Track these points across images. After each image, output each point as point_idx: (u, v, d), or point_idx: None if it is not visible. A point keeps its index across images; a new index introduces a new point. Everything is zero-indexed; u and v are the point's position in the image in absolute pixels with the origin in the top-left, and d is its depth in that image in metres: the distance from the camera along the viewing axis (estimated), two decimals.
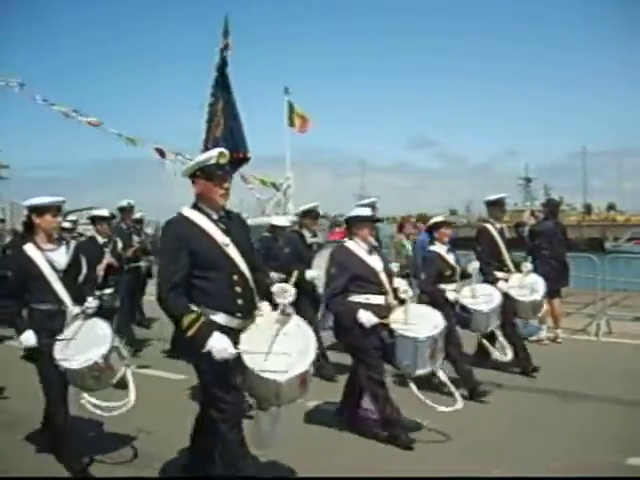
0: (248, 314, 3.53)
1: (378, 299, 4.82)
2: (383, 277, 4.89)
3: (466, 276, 6.25)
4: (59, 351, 4.18)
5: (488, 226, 6.92)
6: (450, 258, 6.15)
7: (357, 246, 4.94)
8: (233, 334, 3.37)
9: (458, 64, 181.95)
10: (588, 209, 72.66)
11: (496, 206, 7.02)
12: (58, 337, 4.24)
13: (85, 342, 4.18)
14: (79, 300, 4.41)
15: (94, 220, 7.35)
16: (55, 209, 4.43)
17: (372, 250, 4.97)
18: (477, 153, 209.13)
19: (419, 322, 4.76)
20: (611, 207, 74.74)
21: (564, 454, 4.45)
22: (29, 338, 4.29)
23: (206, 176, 3.51)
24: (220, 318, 3.43)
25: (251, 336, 3.44)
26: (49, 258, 4.39)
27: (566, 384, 6.16)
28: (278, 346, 3.38)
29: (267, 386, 3.32)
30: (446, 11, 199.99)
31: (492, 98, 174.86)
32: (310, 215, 6.97)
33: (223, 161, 3.55)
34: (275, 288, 3.52)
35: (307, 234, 6.88)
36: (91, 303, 4.41)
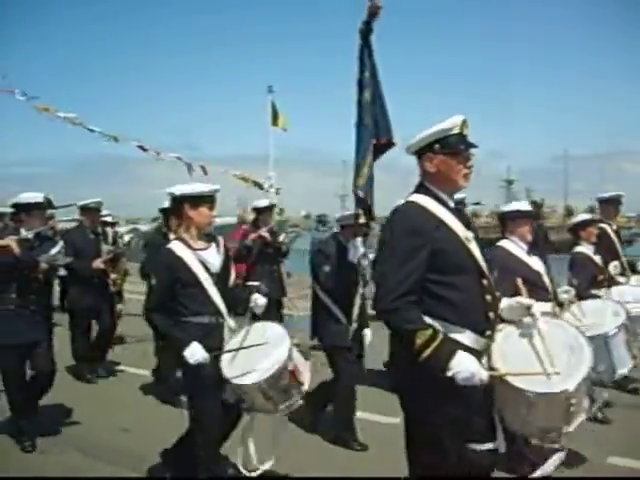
0: (494, 332, 2.76)
1: (544, 306, 3.72)
2: (546, 280, 4.40)
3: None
4: (226, 367, 3.49)
5: (606, 227, 6.35)
6: (598, 260, 5.71)
7: (515, 246, 4.36)
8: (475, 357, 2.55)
9: (446, 64, 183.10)
10: (569, 212, 73.28)
11: (610, 204, 6.57)
12: (225, 348, 3.57)
13: (256, 350, 3.46)
14: (231, 309, 3.72)
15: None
16: (212, 200, 3.71)
17: (530, 250, 4.43)
18: None
19: (596, 318, 4.17)
20: (592, 210, 75.29)
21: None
22: (196, 352, 3.41)
23: (448, 150, 2.67)
24: (466, 338, 2.59)
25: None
26: (202, 259, 3.63)
27: None
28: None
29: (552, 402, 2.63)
30: (432, 11, 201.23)
31: (480, 99, 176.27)
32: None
33: (467, 132, 2.73)
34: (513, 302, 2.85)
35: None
36: (259, 300, 3.74)
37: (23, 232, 4.68)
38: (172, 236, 8.32)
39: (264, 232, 7.13)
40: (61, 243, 5.03)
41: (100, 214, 7.33)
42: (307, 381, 3.58)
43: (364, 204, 4.59)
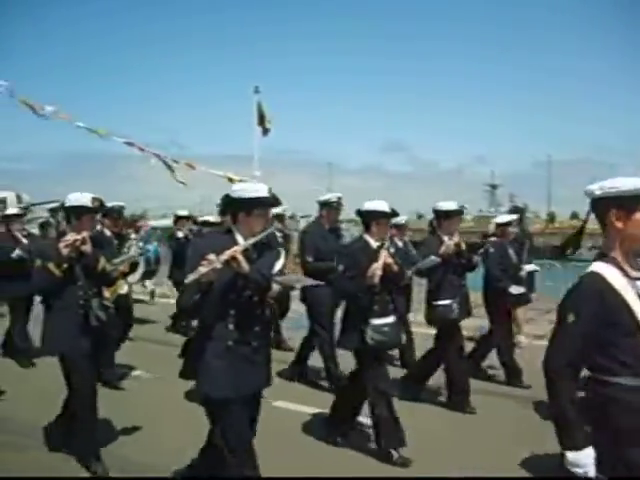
0: None
1: None
2: None
3: None
4: None
5: None
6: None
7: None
8: None
9: (432, 67, 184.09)
10: (552, 217, 73.96)
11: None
12: None
13: None
14: None
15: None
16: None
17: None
18: (447, 159, 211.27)
19: None
20: (575, 216, 76.16)
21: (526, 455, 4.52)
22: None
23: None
24: None
25: None
26: None
27: (525, 390, 6.34)
28: None
29: None
30: (419, 14, 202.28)
31: (467, 104, 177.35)
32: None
33: None
34: None
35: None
36: None
37: (240, 240, 3.43)
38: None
39: None
40: None
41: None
42: None
43: None
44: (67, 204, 4.40)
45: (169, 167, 12.36)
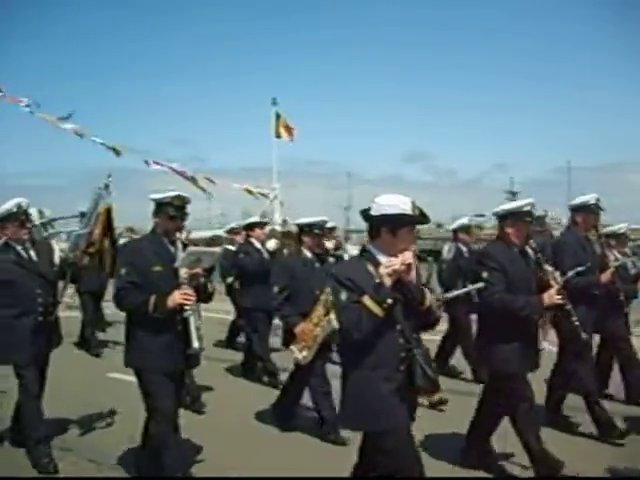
0: None
1: None
2: None
3: None
4: None
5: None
6: None
7: None
8: None
9: (455, 77, 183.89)
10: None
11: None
12: None
13: None
14: None
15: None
16: None
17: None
18: (467, 167, 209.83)
19: None
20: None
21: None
22: None
23: None
24: None
25: None
26: None
27: None
28: None
29: None
30: (440, 24, 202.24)
31: (487, 111, 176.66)
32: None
33: None
34: None
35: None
36: None
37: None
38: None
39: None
40: None
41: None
42: None
43: None
44: (380, 212, 3.11)
45: (191, 179, 12.45)
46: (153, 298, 3.76)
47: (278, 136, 13.75)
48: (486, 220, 16.48)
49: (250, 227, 7.36)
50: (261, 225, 7.45)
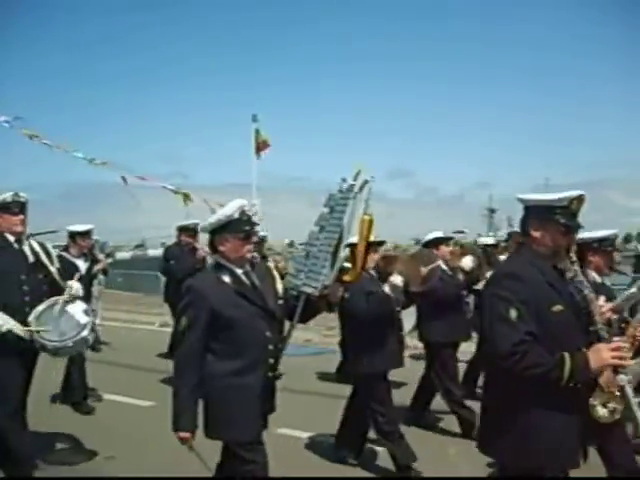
0: None
1: None
2: None
3: None
4: None
5: None
6: None
7: None
8: None
9: (435, 91, 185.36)
10: None
11: None
12: None
13: None
14: None
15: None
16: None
17: None
18: (449, 184, 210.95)
19: None
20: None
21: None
22: None
23: None
24: None
25: None
26: None
27: None
28: None
29: None
30: (422, 37, 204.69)
31: (471, 130, 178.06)
32: None
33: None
34: None
35: None
36: None
37: None
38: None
39: None
40: None
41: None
42: None
43: None
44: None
45: (175, 192, 12.47)
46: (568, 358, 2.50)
47: (258, 153, 13.84)
48: (465, 237, 16.59)
49: (435, 244, 5.85)
50: (446, 241, 5.98)
